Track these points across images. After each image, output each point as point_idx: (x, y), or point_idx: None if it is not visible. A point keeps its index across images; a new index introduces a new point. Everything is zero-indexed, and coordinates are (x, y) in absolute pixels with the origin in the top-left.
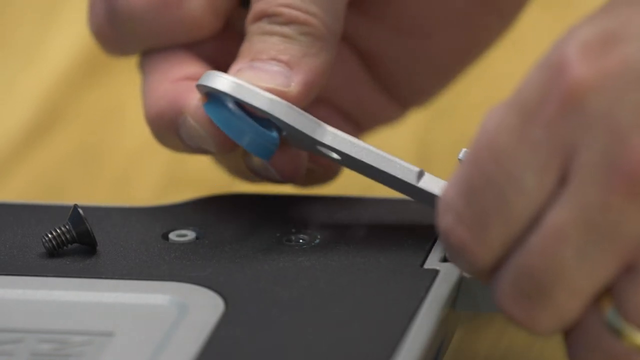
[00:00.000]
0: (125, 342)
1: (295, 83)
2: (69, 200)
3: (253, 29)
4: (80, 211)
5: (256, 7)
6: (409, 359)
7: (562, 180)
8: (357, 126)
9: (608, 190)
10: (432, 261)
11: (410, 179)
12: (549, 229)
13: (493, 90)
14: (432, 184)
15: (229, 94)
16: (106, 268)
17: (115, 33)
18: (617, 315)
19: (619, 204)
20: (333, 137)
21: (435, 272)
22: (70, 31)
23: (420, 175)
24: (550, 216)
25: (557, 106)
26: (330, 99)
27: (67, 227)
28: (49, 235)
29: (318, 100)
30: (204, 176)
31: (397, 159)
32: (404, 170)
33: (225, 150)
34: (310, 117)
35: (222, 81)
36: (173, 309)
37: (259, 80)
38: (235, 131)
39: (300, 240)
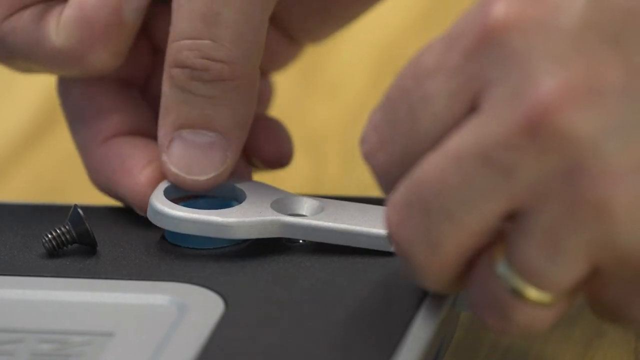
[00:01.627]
0: (125, 342)
1: (229, 153)
2: (69, 200)
3: (174, 77)
4: (80, 211)
5: (177, 50)
6: (409, 359)
7: (471, 110)
8: None
9: (510, 127)
10: None
11: (382, 246)
12: (446, 151)
13: None
14: None
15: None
16: (106, 268)
17: (17, 67)
18: (506, 265)
19: (518, 143)
20: (293, 229)
21: None
22: None
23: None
24: (451, 140)
25: (475, 38)
26: None
27: (67, 227)
28: (49, 236)
29: None
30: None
31: (362, 230)
32: (373, 240)
33: None
34: (265, 217)
35: (167, 221)
36: (173, 309)
37: (198, 168)
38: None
39: (301, 241)
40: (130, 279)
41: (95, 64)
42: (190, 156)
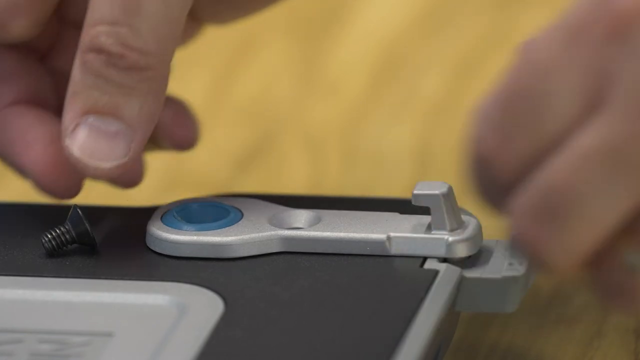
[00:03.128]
0: (125, 343)
1: (133, 145)
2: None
3: (88, 62)
4: (80, 211)
5: (94, 35)
6: (408, 359)
7: (598, 105)
8: None
9: (639, 122)
10: (432, 261)
11: (382, 250)
12: (576, 151)
13: None
14: (403, 245)
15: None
16: (106, 268)
17: None
18: (636, 254)
19: None
20: (292, 243)
21: (435, 272)
22: None
23: (388, 240)
24: (579, 139)
25: (603, 31)
26: None
27: (66, 227)
28: (49, 236)
29: None
30: (204, 176)
31: (361, 237)
32: (372, 246)
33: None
34: (264, 233)
35: (165, 246)
36: (173, 309)
37: (100, 154)
38: None
39: None
40: (130, 279)
41: (15, 32)
42: (94, 143)
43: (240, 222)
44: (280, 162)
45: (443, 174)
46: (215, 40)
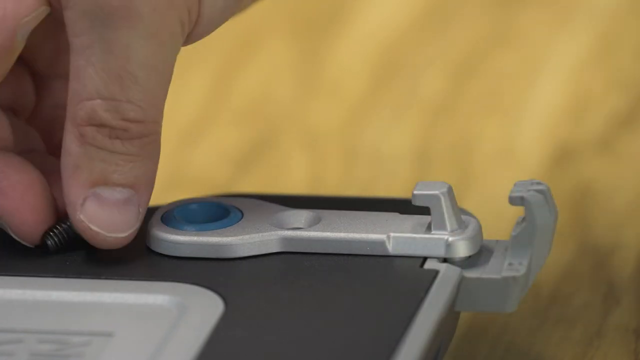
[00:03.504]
0: (125, 343)
1: (141, 209)
2: None
3: (88, 136)
4: None
5: (89, 111)
6: (408, 359)
7: None
8: None
9: None
10: (432, 261)
11: (382, 251)
12: None
13: (493, 90)
14: (403, 245)
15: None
16: (106, 268)
17: None
18: None
19: None
20: (293, 243)
21: (434, 273)
22: None
23: (388, 239)
24: None
25: None
26: None
27: (68, 223)
28: (52, 232)
29: None
30: (204, 176)
31: (361, 237)
32: (372, 245)
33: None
34: (264, 233)
35: (167, 246)
36: (173, 309)
37: (115, 225)
38: None
39: None
40: (130, 279)
41: None
42: (107, 214)
43: (240, 222)
44: (280, 162)
45: (443, 174)
46: (216, 40)
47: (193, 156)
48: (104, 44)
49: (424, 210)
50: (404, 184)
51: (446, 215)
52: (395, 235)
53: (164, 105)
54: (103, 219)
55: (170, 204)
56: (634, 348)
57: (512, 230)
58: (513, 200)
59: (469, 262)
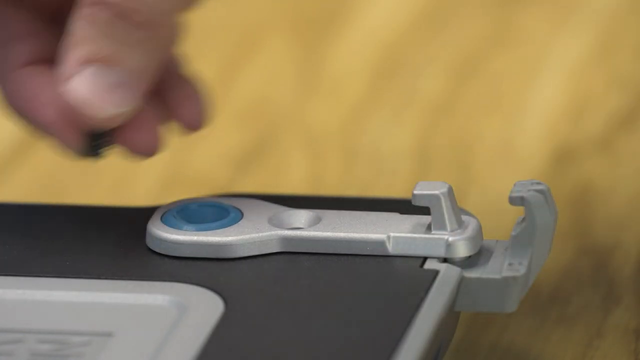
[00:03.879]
0: (125, 343)
1: (137, 95)
2: (69, 200)
3: (94, 14)
4: None
5: None
6: (408, 359)
7: None
8: None
9: None
10: (432, 261)
11: (382, 251)
12: None
13: (493, 90)
14: (403, 245)
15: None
16: (106, 268)
17: None
18: None
19: None
20: (292, 243)
21: (435, 272)
22: None
23: (388, 240)
24: None
25: None
26: None
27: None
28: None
29: None
30: (204, 176)
31: (361, 237)
32: (372, 246)
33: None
34: (264, 233)
35: (166, 246)
36: (173, 309)
37: (103, 102)
38: None
39: None
40: (130, 279)
41: None
42: (95, 89)
43: (240, 222)
44: (280, 162)
45: (443, 174)
46: (216, 40)
47: (193, 156)
48: None
49: (424, 210)
50: (404, 184)
51: (446, 215)
52: (395, 235)
53: (175, 6)
54: (88, 93)
55: (170, 204)
56: (634, 348)
57: (512, 230)
58: (513, 200)
59: (469, 262)
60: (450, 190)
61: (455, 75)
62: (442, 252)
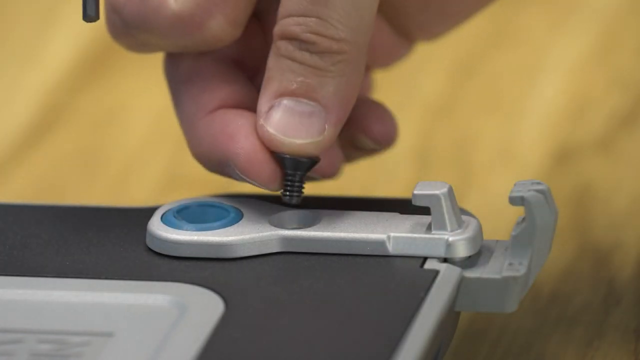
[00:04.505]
0: (125, 343)
1: (328, 126)
2: (69, 200)
3: (281, 48)
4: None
5: (285, 25)
6: (408, 359)
7: None
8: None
9: None
10: (432, 262)
11: (382, 251)
12: None
13: (493, 90)
14: (404, 245)
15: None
16: (106, 268)
17: (133, 41)
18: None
19: None
20: (293, 243)
21: (435, 273)
22: (70, 31)
23: (388, 240)
24: None
25: None
26: None
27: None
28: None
29: None
30: (204, 176)
31: (361, 237)
32: (372, 246)
33: (273, 189)
34: (264, 233)
35: (166, 246)
36: (173, 309)
37: (295, 131)
38: None
39: None
40: (130, 279)
41: (214, 31)
42: (288, 120)
43: (240, 222)
44: None
45: (443, 174)
46: None
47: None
48: None
49: (424, 210)
50: (404, 184)
51: (446, 215)
52: (395, 235)
53: (363, 30)
54: (282, 124)
55: (170, 204)
56: (634, 348)
57: (512, 230)
58: (513, 201)
59: (469, 262)
60: (450, 190)
61: (455, 75)
62: (442, 252)
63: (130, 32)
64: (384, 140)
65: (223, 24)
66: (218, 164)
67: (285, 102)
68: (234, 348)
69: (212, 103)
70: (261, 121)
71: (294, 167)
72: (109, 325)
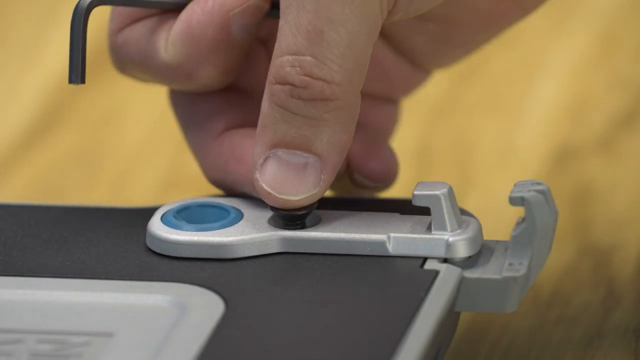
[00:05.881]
0: (125, 343)
1: (324, 175)
2: (69, 200)
3: (275, 95)
4: None
5: (279, 67)
6: (408, 359)
7: None
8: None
9: None
10: (432, 262)
11: (382, 251)
12: None
13: (493, 90)
14: (404, 245)
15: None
16: (106, 268)
17: (134, 76)
18: None
19: None
20: (293, 243)
21: (435, 273)
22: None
23: (388, 240)
24: None
25: None
26: None
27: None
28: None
29: None
30: (204, 176)
31: (362, 237)
32: (373, 246)
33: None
34: (264, 233)
35: (166, 246)
36: (173, 309)
37: (290, 188)
38: None
39: None
40: (130, 279)
41: (204, 80)
42: (283, 175)
43: (240, 222)
44: None
45: (443, 174)
46: None
47: (193, 156)
48: (300, 1)
49: (424, 211)
50: (404, 184)
51: (446, 216)
52: (395, 236)
53: (357, 73)
54: (278, 180)
55: (170, 204)
56: (634, 348)
57: (512, 230)
58: (513, 201)
59: (469, 262)
60: (450, 191)
61: (455, 76)
62: (442, 253)
63: (129, 70)
64: (381, 179)
65: (213, 73)
66: (233, 187)
67: (280, 153)
68: (234, 348)
69: (218, 128)
70: (257, 175)
71: (291, 220)
72: (109, 325)
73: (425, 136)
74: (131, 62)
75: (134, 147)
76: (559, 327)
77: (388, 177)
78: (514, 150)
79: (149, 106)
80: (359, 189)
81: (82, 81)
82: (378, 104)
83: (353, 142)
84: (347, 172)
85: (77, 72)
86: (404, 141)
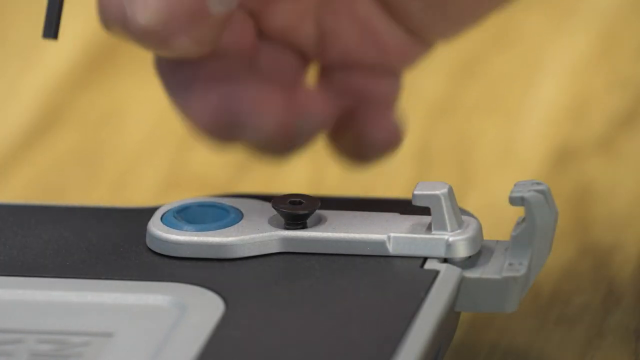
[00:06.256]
0: (125, 343)
1: None
2: (69, 200)
3: None
4: None
5: None
6: (408, 359)
7: None
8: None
9: None
10: (432, 262)
11: (382, 251)
12: None
13: (492, 91)
14: (404, 245)
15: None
16: (106, 268)
17: (118, 36)
18: None
19: None
20: (293, 243)
21: (435, 273)
22: (70, 32)
23: (388, 240)
24: None
25: None
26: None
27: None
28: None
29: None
30: (205, 177)
31: (363, 237)
32: (374, 246)
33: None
34: (264, 233)
35: (166, 246)
36: (173, 309)
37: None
38: None
39: None
40: (130, 279)
41: (179, 49)
42: None
43: (240, 222)
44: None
45: (443, 174)
46: None
47: (193, 156)
48: None
49: (425, 211)
50: (404, 184)
51: (446, 216)
52: (395, 236)
53: None
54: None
55: (170, 204)
56: (634, 348)
57: (512, 230)
58: (513, 201)
59: (469, 262)
60: (450, 191)
61: (455, 76)
62: (442, 253)
63: (112, 29)
64: (385, 148)
65: (187, 43)
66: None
67: None
68: (234, 348)
69: (202, 91)
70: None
71: (293, 220)
72: (109, 325)
73: (425, 136)
74: (114, 21)
75: (134, 147)
76: (559, 327)
77: (391, 145)
78: (514, 150)
79: (149, 106)
80: (364, 158)
81: (55, 37)
82: (377, 76)
83: (356, 112)
84: (352, 141)
85: (51, 27)
86: (404, 141)
